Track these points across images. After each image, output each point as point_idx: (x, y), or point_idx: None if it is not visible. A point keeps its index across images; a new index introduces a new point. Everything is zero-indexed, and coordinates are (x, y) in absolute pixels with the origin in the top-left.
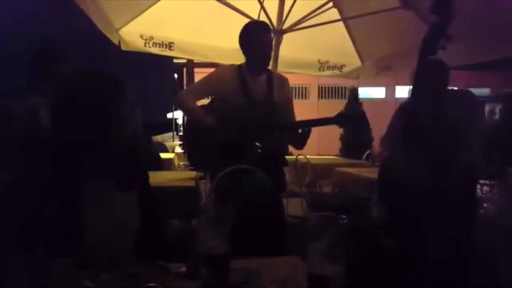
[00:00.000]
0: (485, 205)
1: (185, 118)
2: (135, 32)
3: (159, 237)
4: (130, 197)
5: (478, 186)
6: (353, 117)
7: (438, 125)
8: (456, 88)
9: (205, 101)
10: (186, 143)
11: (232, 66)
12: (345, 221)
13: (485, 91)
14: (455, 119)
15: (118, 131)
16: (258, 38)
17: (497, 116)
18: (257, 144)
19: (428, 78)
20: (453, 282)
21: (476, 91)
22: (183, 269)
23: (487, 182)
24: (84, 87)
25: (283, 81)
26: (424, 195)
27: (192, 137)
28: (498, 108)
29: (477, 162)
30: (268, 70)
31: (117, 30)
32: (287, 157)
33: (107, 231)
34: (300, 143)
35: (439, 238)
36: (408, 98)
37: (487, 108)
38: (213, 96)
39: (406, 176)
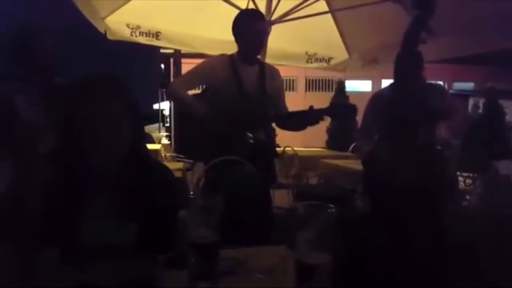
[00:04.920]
0: (467, 197)
1: (175, 108)
2: (122, 21)
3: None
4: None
5: (461, 179)
6: (345, 109)
7: (413, 113)
8: (430, 81)
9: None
10: (176, 133)
11: (224, 55)
12: (333, 210)
13: (469, 85)
14: (430, 110)
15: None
16: (252, 27)
17: (480, 110)
18: (249, 134)
19: (403, 67)
20: (435, 272)
21: (461, 85)
22: (169, 258)
23: (470, 174)
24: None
25: (275, 71)
26: (403, 186)
27: (183, 127)
28: (481, 102)
29: (453, 154)
30: (260, 60)
31: (103, 18)
32: None
33: (99, 226)
34: (302, 126)
35: (419, 228)
36: (381, 89)
37: (471, 102)
38: (204, 86)
39: (387, 166)
